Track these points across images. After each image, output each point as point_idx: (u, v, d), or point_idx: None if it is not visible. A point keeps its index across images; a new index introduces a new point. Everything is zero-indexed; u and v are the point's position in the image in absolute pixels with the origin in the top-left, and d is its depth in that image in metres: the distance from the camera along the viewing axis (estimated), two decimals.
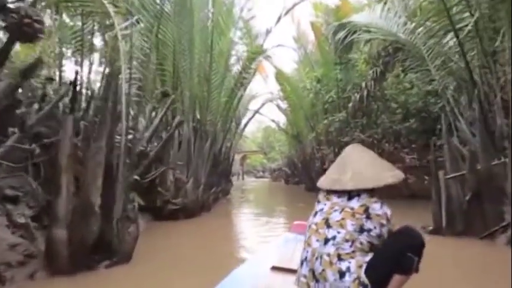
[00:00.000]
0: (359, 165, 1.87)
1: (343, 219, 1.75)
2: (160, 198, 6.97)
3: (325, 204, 1.88)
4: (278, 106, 19.55)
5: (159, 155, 6.24)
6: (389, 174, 1.82)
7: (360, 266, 1.64)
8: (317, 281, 1.72)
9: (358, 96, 10.32)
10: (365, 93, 10.08)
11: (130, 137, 4.95)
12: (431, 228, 5.23)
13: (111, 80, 4.08)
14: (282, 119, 21.65)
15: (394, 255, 1.63)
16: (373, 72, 9.62)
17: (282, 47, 11.73)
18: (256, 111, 18.36)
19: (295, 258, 2.09)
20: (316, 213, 1.90)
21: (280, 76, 15.53)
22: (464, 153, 5.28)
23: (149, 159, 5.73)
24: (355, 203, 1.78)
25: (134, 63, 5.25)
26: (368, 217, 1.73)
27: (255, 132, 40.83)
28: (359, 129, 10.77)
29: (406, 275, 1.63)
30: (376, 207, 1.75)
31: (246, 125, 17.37)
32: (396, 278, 1.62)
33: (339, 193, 1.86)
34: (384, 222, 1.74)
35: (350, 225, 1.72)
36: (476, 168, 4.87)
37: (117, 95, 4.07)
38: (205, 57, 8.31)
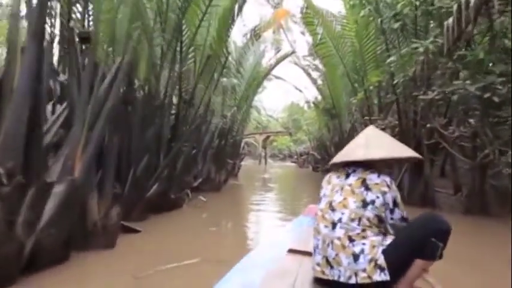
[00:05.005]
0: (353, 144, 1.91)
1: (344, 198, 1.74)
2: None
3: (326, 189, 1.85)
4: (304, 69, 14.37)
5: None
6: (377, 151, 1.78)
7: (374, 247, 1.62)
8: (331, 267, 1.68)
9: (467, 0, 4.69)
10: None
11: None
12: None
13: None
14: (310, 94, 16.60)
15: (417, 239, 1.59)
16: None
17: None
18: (271, 70, 13.25)
19: (311, 241, 1.96)
20: (321, 199, 1.86)
21: (310, 10, 10.00)
22: None
23: None
24: (351, 179, 1.78)
25: None
26: (367, 188, 1.72)
27: (281, 112, 35.56)
28: (464, 75, 5.20)
29: (428, 260, 1.59)
30: (373, 177, 1.74)
31: (257, 85, 12.37)
32: (417, 263, 1.59)
33: (338, 173, 1.85)
34: (385, 189, 1.72)
35: (352, 202, 1.71)
36: None
37: None
38: None
